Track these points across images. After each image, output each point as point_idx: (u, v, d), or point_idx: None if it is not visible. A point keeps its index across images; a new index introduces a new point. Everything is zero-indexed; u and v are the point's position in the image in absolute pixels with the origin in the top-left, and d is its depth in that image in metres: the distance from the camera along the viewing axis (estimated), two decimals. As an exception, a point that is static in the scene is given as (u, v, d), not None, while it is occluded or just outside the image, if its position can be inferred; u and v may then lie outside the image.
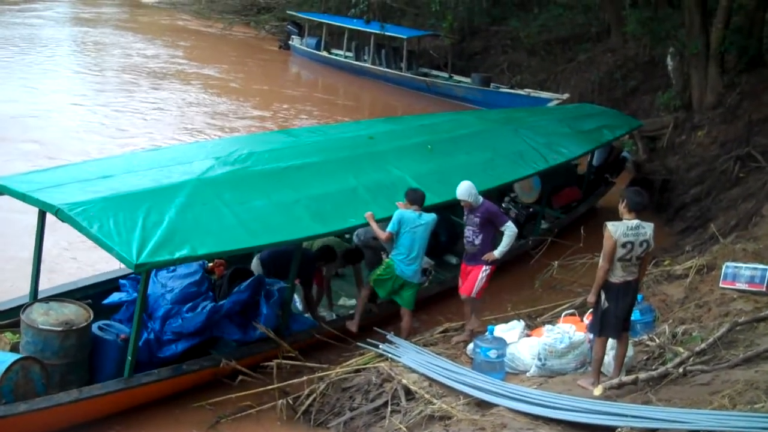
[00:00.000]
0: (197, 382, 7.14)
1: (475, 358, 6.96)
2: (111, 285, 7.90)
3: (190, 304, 7.37)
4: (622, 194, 6.30)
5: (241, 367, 7.03)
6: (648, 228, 6.19)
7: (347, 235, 9.64)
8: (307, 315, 8.31)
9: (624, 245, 6.07)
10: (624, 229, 6.09)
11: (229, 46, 26.50)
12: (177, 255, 6.44)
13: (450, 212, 10.18)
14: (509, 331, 7.37)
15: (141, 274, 6.58)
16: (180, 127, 16.12)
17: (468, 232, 7.82)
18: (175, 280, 7.55)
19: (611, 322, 6.21)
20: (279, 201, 7.59)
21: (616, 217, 6.29)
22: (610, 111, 13.91)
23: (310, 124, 16.48)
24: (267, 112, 18.06)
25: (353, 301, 8.82)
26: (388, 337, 7.50)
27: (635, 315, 6.93)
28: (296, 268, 7.63)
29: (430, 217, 7.85)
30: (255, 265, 8.21)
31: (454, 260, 10.16)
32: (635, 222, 6.13)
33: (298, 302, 8.58)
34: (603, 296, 6.19)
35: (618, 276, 6.13)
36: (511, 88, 19.64)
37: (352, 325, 8.00)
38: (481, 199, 7.83)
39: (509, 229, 7.69)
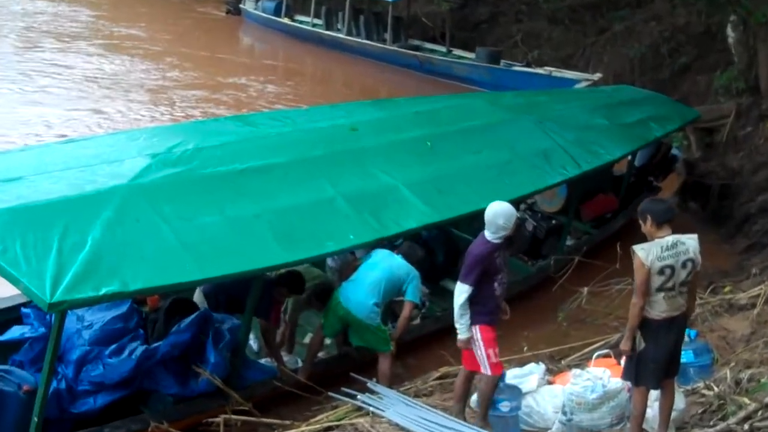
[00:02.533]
0: None
1: (491, 413, 6.96)
2: (9, 315, 7.91)
3: (114, 345, 7.34)
4: (641, 212, 6.25)
5: (177, 431, 7.01)
6: (690, 242, 6.16)
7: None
8: (265, 360, 8.35)
9: (661, 271, 6.05)
10: (658, 251, 6.05)
11: (153, 7, 26.54)
12: (104, 291, 6.37)
13: (450, 225, 10.24)
14: (526, 376, 7.37)
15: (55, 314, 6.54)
16: (101, 108, 16.20)
17: (501, 279, 6.97)
18: (95, 312, 7.53)
19: (649, 368, 6.21)
20: (235, 216, 7.59)
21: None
22: (656, 96, 14.05)
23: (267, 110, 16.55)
24: (212, 92, 18.14)
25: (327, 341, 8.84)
26: (369, 384, 7.53)
27: (687, 356, 7.02)
28: (254, 302, 7.67)
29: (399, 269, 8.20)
30: (198, 297, 8.25)
31: (454, 287, 10.19)
32: (671, 239, 6.11)
33: (253, 341, 8.61)
34: (639, 335, 6.19)
35: (659, 311, 6.12)
36: (527, 65, 19.78)
37: (302, 372, 8.07)
38: None
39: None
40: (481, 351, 6.71)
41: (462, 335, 6.75)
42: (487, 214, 6.75)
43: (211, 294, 8.19)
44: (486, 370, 6.76)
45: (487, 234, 6.73)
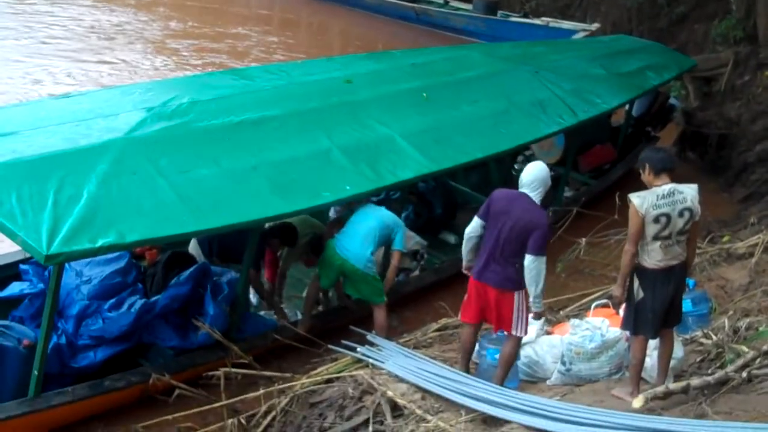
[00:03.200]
0: (123, 401, 7.16)
1: (480, 363, 6.97)
2: (8, 271, 7.93)
3: (113, 300, 7.37)
4: (640, 160, 6.24)
5: (178, 383, 7.05)
6: (689, 191, 6.13)
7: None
8: (264, 313, 8.40)
9: (657, 220, 6.04)
10: (653, 199, 6.04)
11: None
12: (100, 243, 6.37)
13: (448, 177, 10.27)
14: (524, 327, 7.25)
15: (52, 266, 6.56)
16: (102, 60, 16.01)
17: None
18: (93, 267, 7.54)
19: (647, 318, 6.21)
20: (231, 168, 7.59)
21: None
22: (654, 45, 14.00)
23: (263, 62, 16.40)
24: (211, 42, 17.99)
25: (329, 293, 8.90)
26: (369, 337, 7.57)
27: (686, 305, 6.96)
28: (252, 253, 7.65)
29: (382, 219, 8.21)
30: (194, 247, 8.28)
31: (452, 239, 10.25)
32: (668, 187, 6.09)
33: (252, 295, 8.67)
34: (637, 284, 6.21)
35: (656, 260, 6.12)
36: (525, 16, 19.59)
37: (301, 326, 8.14)
38: None
39: None
40: (522, 314, 6.62)
41: (541, 308, 6.66)
42: (536, 177, 6.55)
43: (204, 242, 8.20)
44: (520, 331, 6.66)
45: (536, 197, 6.56)
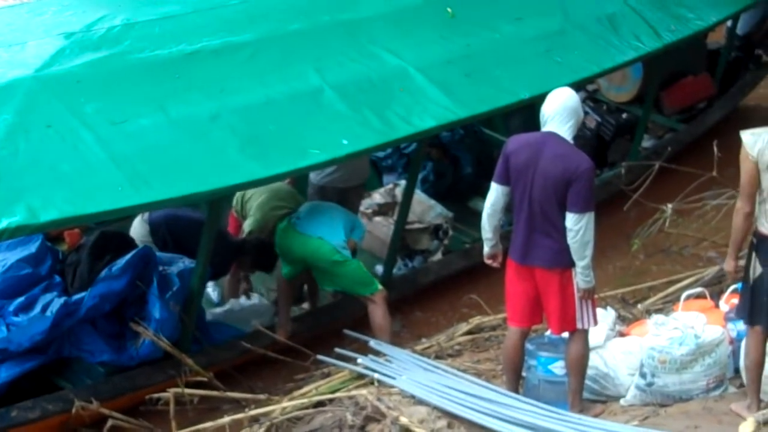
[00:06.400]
0: None
1: (528, 377, 6.99)
2: None
3: (21, 299, 7.38)
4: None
5: (111, 412, 6.94)
6: None
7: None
8: (225, 309, 8.52)
9: None
10: None
11: None
12: (3, 224, 6.39)
13: (480, 123, 10.38)
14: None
15: None
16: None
17: None
18: None
19: (766, 302, 6.20)
20: (183, 117, 7.59)
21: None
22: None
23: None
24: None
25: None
26: (372, 344, 7.61)
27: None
28: (211, 234, 7.64)
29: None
30: (138, 228, 8.34)
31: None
32: None
33: (212, 290, 8.86)
34: (754, 259, 6.21)
35: None
36: None
37: (279, 330, 8.20)
38: None
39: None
40: (587, 300, 6.51)
41: (591, 283, 6.51)
42: (563, 106, 6.42)
43: (157, 226, 8.28)
44: (587, 322, 6.56)
45: (567, 134, 6.43)
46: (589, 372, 6.84)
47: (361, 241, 8.58)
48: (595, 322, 6.63)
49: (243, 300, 8.68)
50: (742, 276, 6.36)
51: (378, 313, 8.12)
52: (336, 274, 8.15)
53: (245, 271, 8.84)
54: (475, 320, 8.23)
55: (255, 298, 8.78)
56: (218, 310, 8.55)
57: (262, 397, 7.24)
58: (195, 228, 7.91)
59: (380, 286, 8.19)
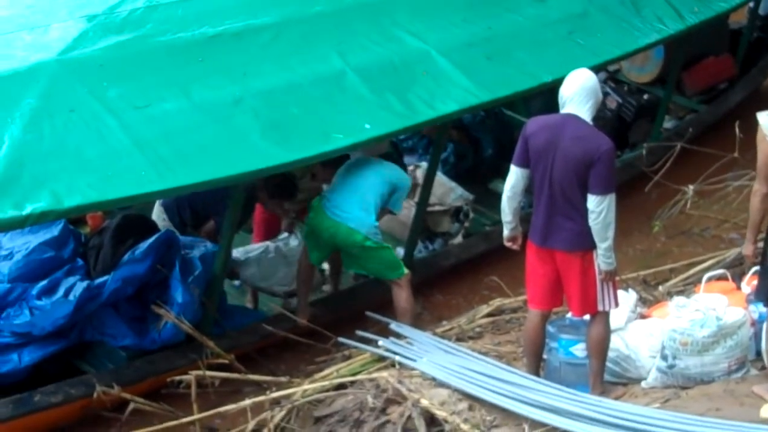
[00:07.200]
0: (59, 421, 7.16)
1: (549, 360, 7.00)
2: None
3: (44, 282, 7.35)
4: None
5: (133, 396, 6.99)
6: None
7: None
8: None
9: None
10: None
11: None
12: (29, 209, 6.35)
13: (503, 106, 10.38)
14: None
15: None
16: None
17: None
18: (16, 237, 7.62)
19: None
20: (206, 102, 7.54)
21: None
22: None
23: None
24: None
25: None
26: (393, 326, 7.63)
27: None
28: (235, 219, 7.67)
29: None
30: (158, 213, 8.35)
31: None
32: None
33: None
34: None
35: None
36: None
37: (299, 315, 8.15)
38: None
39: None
40: (607, 282, 6.50)
41: (613, 265, 6.50)
42: (582, 87, 6.40)
43: (175, 209, 8.30)
44: (608, 304, 6.54)
45: (586, 115, 6.41)
46: (610, 354, 6.83)
47: (400, 210, 8.53)
48: (617, 304, 6.63)
49: (274, 244, 8.65)
50: (761, 260, 6.36)
51: (402, 296, 8.12)
52: (366, 258, 8.15)
53: (269, 208, 8.77)
54: (496, 302, 8.26)
55: (294, 240, 8.76)
56: (252, 250, 8.55)
57: (283, 379, 7.28)
58: (216, 197, 7.96)
59: (406, 270, 8.19)
